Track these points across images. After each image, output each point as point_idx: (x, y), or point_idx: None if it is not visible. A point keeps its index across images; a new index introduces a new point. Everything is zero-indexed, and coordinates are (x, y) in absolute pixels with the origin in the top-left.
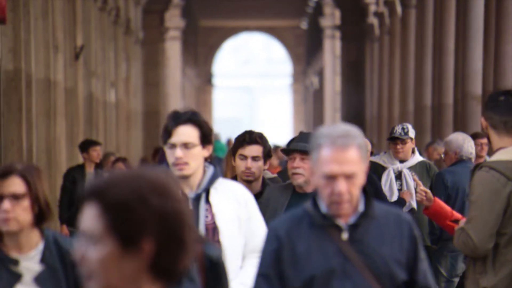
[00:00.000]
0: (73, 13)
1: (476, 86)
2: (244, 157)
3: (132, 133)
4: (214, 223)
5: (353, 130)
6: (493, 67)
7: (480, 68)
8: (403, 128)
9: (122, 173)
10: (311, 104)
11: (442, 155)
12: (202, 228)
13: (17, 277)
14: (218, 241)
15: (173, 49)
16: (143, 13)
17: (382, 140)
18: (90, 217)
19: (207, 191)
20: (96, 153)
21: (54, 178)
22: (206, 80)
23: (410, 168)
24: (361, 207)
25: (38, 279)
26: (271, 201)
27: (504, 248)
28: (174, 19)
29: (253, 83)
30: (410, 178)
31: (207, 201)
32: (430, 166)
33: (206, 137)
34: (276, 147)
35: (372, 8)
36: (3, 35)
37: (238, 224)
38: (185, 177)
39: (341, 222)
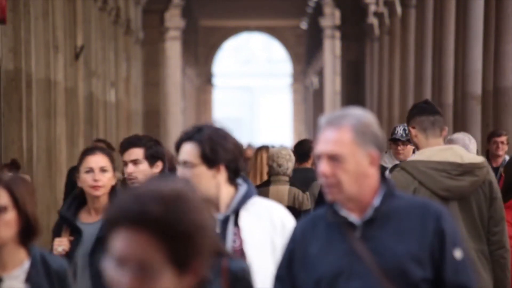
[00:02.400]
0: (73, 13)
1: (476, 86)
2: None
3: (132, 133)
4: (242, 249)
5: (353, 113)
6: (493, 67)
7: (480, 68)
8: (404, 130)
9: (157, 194)
10: (311, 104)
11: None
12: None
13: None
14: None
15: (173, 49)
16: (143, 13)
17: None
18: (141, 246)
19: (236, 212)
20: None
21: (54, 178)
22: (206, 80)
23: None
24: (376, 202)
25: None
26: None
27: None
28: (174, 19)
29: (253, 83)
30: None
31: (236, 224)
32: None
33: (208, 157)
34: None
35: (372, 8)
36: (3, 35)
37: (271, 250)
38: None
39: (355, 219)
